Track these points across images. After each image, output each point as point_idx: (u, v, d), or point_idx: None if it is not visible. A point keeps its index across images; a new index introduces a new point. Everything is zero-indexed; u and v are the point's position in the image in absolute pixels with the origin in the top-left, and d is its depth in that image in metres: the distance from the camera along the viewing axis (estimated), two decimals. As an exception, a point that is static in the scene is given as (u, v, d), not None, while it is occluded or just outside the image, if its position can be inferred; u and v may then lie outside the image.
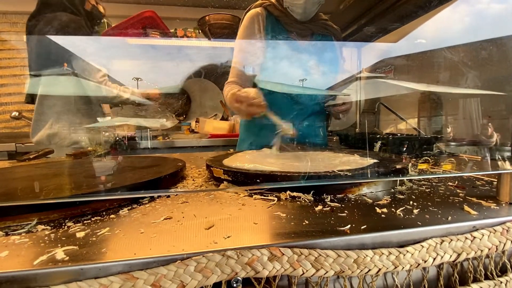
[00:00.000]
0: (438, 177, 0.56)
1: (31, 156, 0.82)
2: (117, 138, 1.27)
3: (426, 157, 0.78)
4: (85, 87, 1.12)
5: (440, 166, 0.67)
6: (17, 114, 1.44)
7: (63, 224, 0.35)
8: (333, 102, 0.95)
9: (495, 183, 0.46)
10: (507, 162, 0.42)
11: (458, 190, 0.47)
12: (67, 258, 0.26)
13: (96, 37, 1.28)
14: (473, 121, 1.40)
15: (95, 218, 0.37)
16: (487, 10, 1.06)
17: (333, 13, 1.43)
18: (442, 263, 0.32)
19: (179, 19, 1.54)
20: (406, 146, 0.81)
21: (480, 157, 0.76)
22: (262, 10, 0.93)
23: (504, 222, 0.35)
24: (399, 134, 1.02)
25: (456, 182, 0.52)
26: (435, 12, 1.17)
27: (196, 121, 1.82)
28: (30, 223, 0.35)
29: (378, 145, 0.83)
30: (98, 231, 0.33)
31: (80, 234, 0.32)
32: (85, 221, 0.36)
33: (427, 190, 0.48)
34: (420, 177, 0.54)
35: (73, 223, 0.35)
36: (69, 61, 1.02)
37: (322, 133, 1.08)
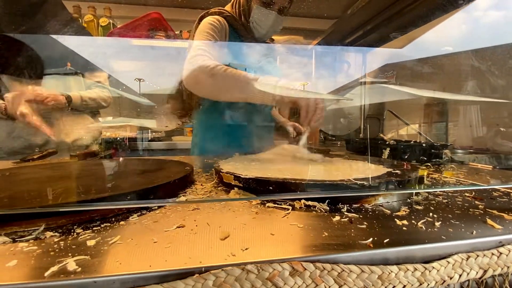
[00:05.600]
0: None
1: (35, 157, 0.81)
2: (119, 139, 1.25)
3: (439, 165, 0.77)
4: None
5: (454, 175, 0.65)
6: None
7: (72, 230, 0.34)
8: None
9: (513, 194, 0.44)
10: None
11: (476, 202, 0.45)
12: (80, 269, 0.25)
13: (101, 38, 1.27)
14: (479, 128, 1.39)
15: (105, 224, 0.36)
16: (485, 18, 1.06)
17: (339, 19, 1.43)
18: (468, 280, 0.31)
19: (185, 21, 1.54)
20: (416, 153, 0.80)
21: (491, 166, 0.75)
22: (223, 20, 0.92)
23: (530, 237, 0.34)
24: (403, 143, 1.01)
25: (473, 193, 0.51)
26: (441, 20, 1.17)
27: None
28: (38, 229, 0.34)
29: (387, 152, 0.82)
30: (109, 239, 0.31)
31: (90, 243, 0.30)
32: (94, 228, 0.35)
33: (444, 201, 0.46)
34: (445, 189, 0.53)
35: (82, 230, 0.34)
36: None
37: (268, 134, 1.09)
